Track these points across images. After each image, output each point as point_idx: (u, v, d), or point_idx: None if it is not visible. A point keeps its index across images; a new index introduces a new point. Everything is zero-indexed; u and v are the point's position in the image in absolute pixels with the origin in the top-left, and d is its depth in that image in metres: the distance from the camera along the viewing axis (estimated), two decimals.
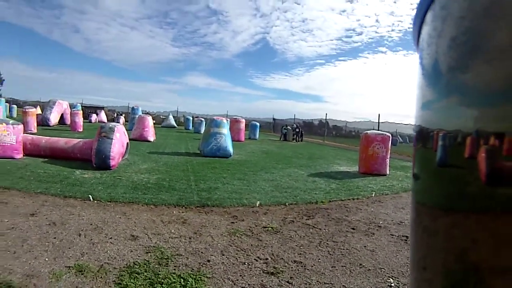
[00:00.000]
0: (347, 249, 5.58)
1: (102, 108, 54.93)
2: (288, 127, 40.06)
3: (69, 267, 4.23)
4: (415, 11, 0.69)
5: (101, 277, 4.03)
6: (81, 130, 26.39)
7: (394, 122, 50.87)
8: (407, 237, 6.30)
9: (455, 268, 0.51)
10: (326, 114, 66.68)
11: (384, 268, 4.91)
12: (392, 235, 6.44)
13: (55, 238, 5.09)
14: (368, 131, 15.11)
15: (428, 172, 0.67)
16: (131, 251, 4.84)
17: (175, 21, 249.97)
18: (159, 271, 4.25)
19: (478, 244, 0.46)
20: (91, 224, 5.74)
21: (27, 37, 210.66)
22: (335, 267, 4.87)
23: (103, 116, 47.53)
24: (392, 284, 4.44)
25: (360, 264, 5.00)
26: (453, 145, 0.53)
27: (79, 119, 27.18)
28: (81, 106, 43.79)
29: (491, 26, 0.44)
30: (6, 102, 39.85)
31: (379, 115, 37.13)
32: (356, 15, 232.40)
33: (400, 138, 53.61)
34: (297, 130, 39.13)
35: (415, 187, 0.71)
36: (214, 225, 6.16)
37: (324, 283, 4.37)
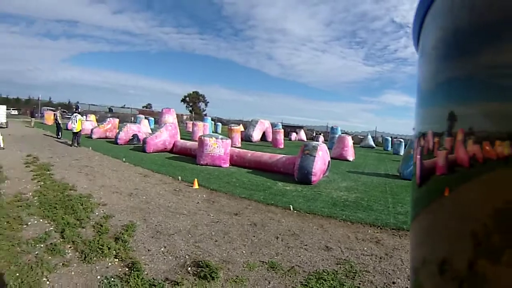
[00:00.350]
0: None
1: (301, 127, 57.56)
2: None
3: (263, 262, 4.62)
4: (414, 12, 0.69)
5: (290, 276, 4.25)
6: (282, 146, 28.19)
7: None
8: None
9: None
10: None
11: None
12: None
13: (254, 236, 5.61)
14: None
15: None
16: (322, 260, 4.93)
17: (364, 40, 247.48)
18: (345, 282, 4.20)
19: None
20: (289, 230, 6.08)
21: (228, 66, 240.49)
22: None
23: (302, 134, 49.50)
24: None
25: None
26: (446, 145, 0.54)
27: (281, 137, 29.00)
28: (282, 125, 46.61)
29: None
30: (212, 120, 45.40)
31: None
32: None
33: None
34: None
35: (413, 185, 0.70)
36: (406, 249, 5.78)
37: None
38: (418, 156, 0.67)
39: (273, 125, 38.63)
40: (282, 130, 30.69)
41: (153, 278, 3.98)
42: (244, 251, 4.97)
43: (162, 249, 4.89)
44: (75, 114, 18.53)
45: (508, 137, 0.39)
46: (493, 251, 0.40)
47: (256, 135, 33.35)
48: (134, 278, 3.90)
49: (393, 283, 4.39)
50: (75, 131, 17.73)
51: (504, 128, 0.40)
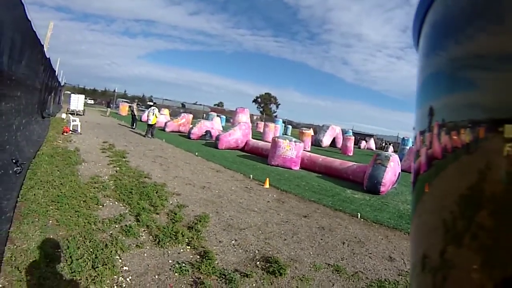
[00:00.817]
0: None
1: (371, 136, 56.44)
2: None
3: (329, 264, 4.84)
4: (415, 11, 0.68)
5: (353, 281, 4.43)
6: (351, 154, 28.06)
7: None
8: None
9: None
10: None
11: None
12: None
13: (321, 239, 5.83)
14: None
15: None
16: (385, 269, 5.03)
17: None
18: None
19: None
20: (355, 237, 6.24)
21: (302, 69, 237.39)
22: None
23: (371, 143, 48.58)
24: None
25: None
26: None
27: (351, 144, 28.99)
28: (352, 132, 45.96)
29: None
30: (283, 122, 45.30)
31: None
32: None
33: None
34: None
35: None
36: None
37: None
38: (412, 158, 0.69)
39: (344, 132, 38.14)
40: (353, 138, 30.45)
41: (223, 268, 4.27)
42: (311, 252, 5.21)
43: (233, 241, 5.24)
44: (152, 108, 19.81)
45: (469, 125, 0.43)
46: (459, 237, 0.43)
47: (326, 140, 33.21)
48: (206, 266, 4.19)
49: None
50: (150, 123, 18.86)
51: (467, 116, 0.43)
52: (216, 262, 4.44)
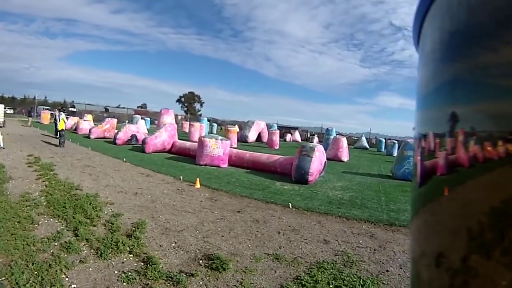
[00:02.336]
0: None
1: (296, 128, 58.21)
2: None
3: (268, 254, 5.05)
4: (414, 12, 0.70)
5: (294, 266, 4.69)
6: (277, 147, 28.64)
7: None
8: None
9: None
10: None
11: None
12: None
13: (257, 231, 6.05)
14: None
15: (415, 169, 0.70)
16: (322, 251, 5.37)
17: (361, 42, 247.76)
18: (343, 271, 4.64)
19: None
20: (289, 226, 6.51)
21: (225, 67, 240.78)
22: None
23: (297, 135, 49.85)
24: None
25: None
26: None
27: (276, 138, 29.63)
28: (277, 126, 46.76)
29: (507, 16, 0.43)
30: (208, 120, 45.29)
31: None
32: None
33: None
34: None
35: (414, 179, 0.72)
36: (398, 242, 6.22)
37: None
38: (419, 157, 0.69)
39: (269, 126, 38.82)
40: (278, 131, 31.05)
41: (168, 271, 4.31)
42: (249, 245, 5.39)
43: (173, 244, 5.26)
44: (60, 113, 19.04)
45: (508, 137, 0.41)
46: (486, 248, 0.42)
47: (252, 136, 33.57)
48: (151, 271, 4.21)
49: (387, 271, 4.83)
50: (58, 128, 18.02)
51: (504, 128, 0.42)
52: (161, 266, 4.46)
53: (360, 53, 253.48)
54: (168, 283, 4.03)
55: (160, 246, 5.16)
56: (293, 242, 5.66)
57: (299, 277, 4.35)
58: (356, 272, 4.68)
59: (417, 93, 0.68)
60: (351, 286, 4.21)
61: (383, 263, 5.15)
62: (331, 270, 4.63)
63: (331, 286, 4.18)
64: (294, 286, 4.09)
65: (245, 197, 8.71)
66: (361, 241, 6.04)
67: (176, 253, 4.94)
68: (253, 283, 4.13)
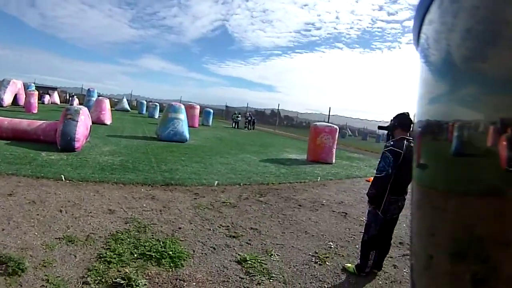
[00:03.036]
0: (294, 220, 6.74)
1: (55, 88, 52.92)
2: (239, 115, 41.92)
3: (59, 238, 4.84)
4: (414, 12, 0.70)
5: (90, 244, 4.72)
6: (35, 111, 24.99)
7: (344, 115, 54.37)
8: (346, 213, 7.67)
9: (462, 237, 0.54)
10: (279, 104, 69.09)
11: (325, 235, 6.12)
12: (333, 211, 7.76)
13: (38, 214, 5.61)
14: (317, 123, 16.51)
15: (440, 161, 0.66)
16: (111, 222, 5.54)
17: (135, 2, 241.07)
18: (140, 237, 5.01)
19: (486, 220, 0.49)
20: (69, 201, 6.31)
21: None
22: (284, 233, 5.98)
23: (56, 97, 46.05)
24: (332, 246, 5.64)
25: (305, 231, 6.17)
26: (472, 134, 0.52)
27: (34, 100, 25.77)
28: (34, 86, 40.77)
29: (509, 12, 0.44)
30: None
31: (329, 108, 39.36)
32: (317, 10, 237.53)
33: (349, 131, 57.64)
34: (249, 118, 40.62)
35: (421, 175, 0.72)
36: (179, 200, 6.93)
37: (276, 244, 5.45)
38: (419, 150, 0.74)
39: (26, 86, 33.79)
40: (36, 92, 27.14)
41: None
42: (36, 233, 4.95)
43: None
44: None
45: None
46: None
47: (8, 98, 28.41)
48: None
49: (179, 228, 5.50)
50: None
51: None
52: None
53: (132, 13, 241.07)
54: None
55: None
56: (79, 219, 5.57)
57: (101, 255, 4.40)
58: (152, 235, 5.12)
59: (417, 93, 0.70)
60: (154, 250, 4.61)
61: (173, 221, 5.74)
62: (129, 240, 4.90)
63: (135, 255, 4.46)
64: (101, 266, 4.14)
65: (12, 175, 7.69)
66: (145, 205, 6.46)
67: None
68: (59, 276, 3.90)
